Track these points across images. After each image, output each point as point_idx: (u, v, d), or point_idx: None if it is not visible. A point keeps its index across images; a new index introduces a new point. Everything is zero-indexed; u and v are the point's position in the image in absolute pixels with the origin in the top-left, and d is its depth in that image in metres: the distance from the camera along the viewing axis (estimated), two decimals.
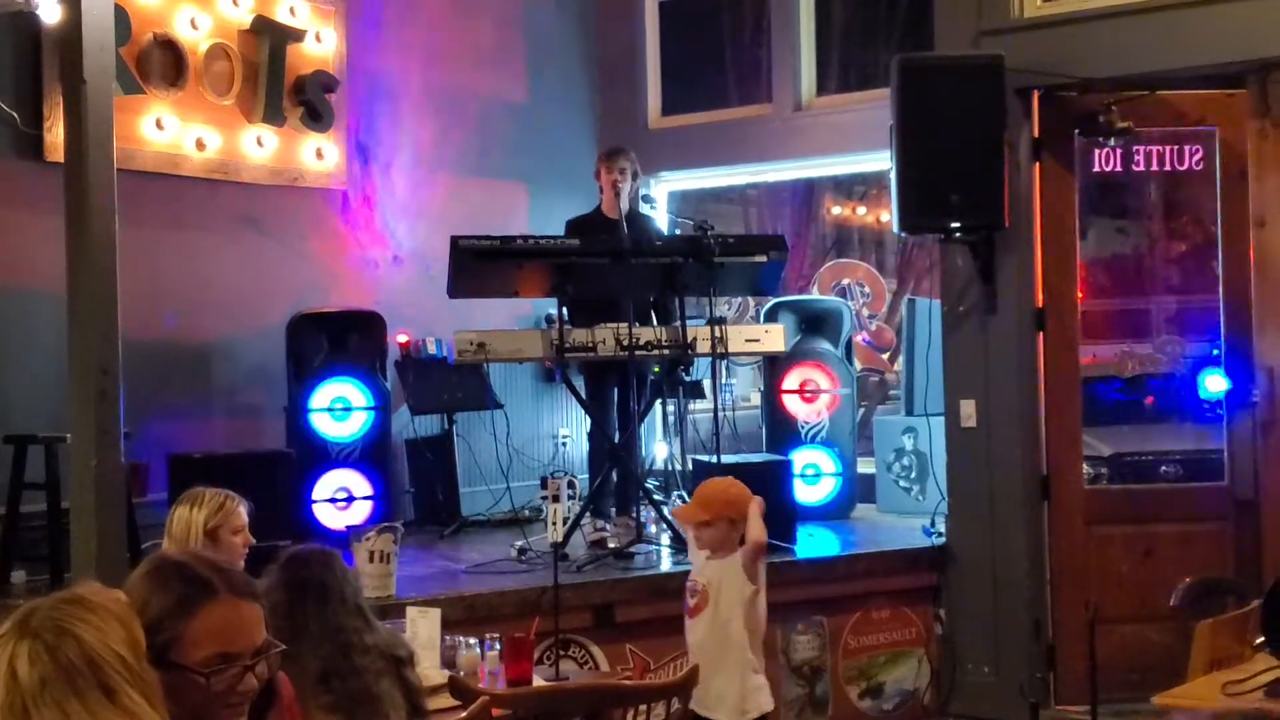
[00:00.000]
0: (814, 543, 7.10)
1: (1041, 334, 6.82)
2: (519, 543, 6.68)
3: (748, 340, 7.12)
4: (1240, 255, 6.73)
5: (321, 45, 8.01)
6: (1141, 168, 6.95)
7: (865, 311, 9.49)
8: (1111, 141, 6.72)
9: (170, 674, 2.10)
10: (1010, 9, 6.82)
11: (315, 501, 7.22)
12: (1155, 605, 6.35)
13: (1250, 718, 3.79)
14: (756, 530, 4.57)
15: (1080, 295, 6.90)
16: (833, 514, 8.00)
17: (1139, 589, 6.63)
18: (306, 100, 7.87)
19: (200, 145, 7.40)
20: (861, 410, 9.00)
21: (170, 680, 2.09)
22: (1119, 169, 6.95)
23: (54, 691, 1.79)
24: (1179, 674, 4.27)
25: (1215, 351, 6.89)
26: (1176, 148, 6.89)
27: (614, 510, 7.28)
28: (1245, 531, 6.68)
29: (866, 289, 9.56)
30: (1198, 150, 6.88)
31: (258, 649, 2.20)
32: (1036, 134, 6.78)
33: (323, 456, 7.25)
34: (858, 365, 8.79)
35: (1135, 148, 6.87)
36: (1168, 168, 6.95)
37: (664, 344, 6.74)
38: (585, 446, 7.87)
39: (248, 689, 2.19)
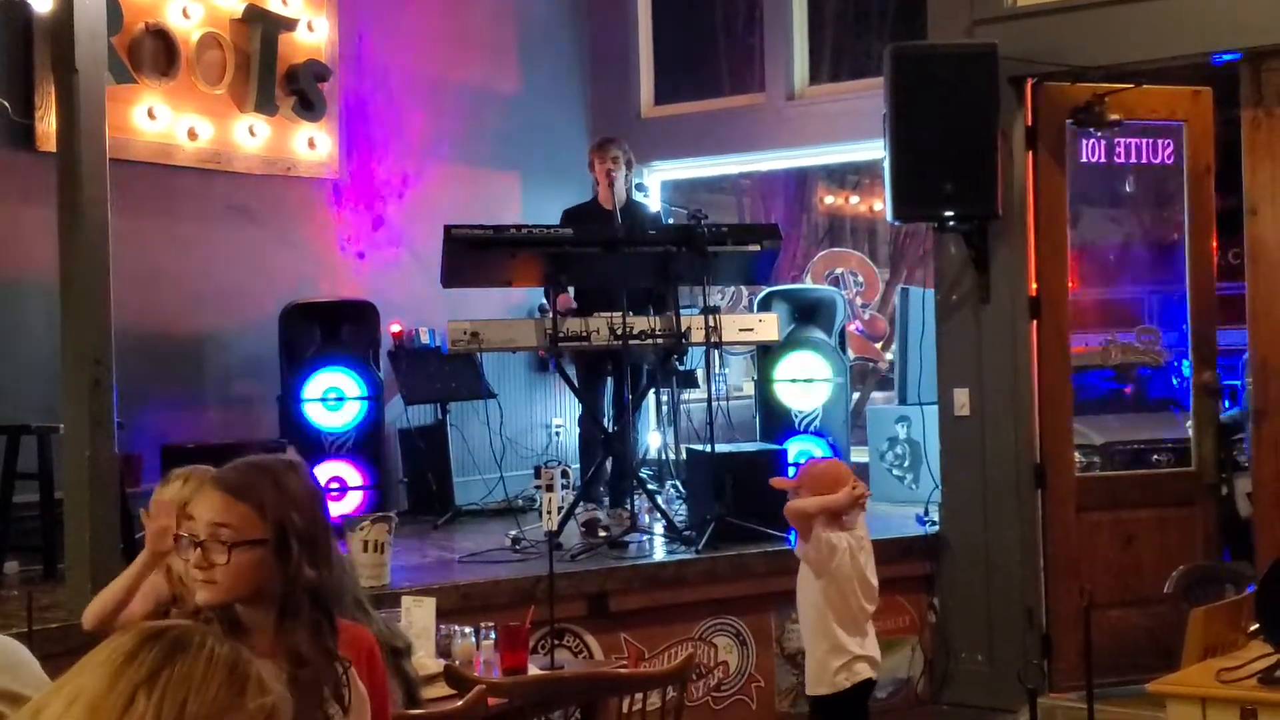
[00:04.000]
0: None
1: (1035, 323, 6.82)
2: (513, 532, 6.68)
3: (741, 329, 7.12)
4: (1205, 249, 6.91)
5: (314, 34, 7.99)
6: (1122, 160, 7.00)
7: (858, 301, 9.50)
8: (1103, 132, 6.74)
9: None
10: None
11: None
12: (1138, 590, 6.46)
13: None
14: (809, 502, 4.66)
15: (1072, 284, 6.93)
16: None
17: (1123, 574, 6.70)
18: (299, 90, 7.86)
19: (192, 135, 7.39)
20: (855, 397, 9.02)
21: None
22: (1103, 160, 6.98)
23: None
24: (1165, 657, 4.29)
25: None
26: (1152, 141, 6.96)
27: (607, 499, 7.29)
28: (1212, 516, 6.85)
29: (860, 278, 9.56)
30: (1168, 145, 6.96)
31: (212, 532, 2.50)
32: (1029, 123, 6.78)
33: (316, 447, 7.24)
34: (851, 354, 8.79)
35: (1116, 140, 6.91)
36: (1144, 160, 7.01)
37: (658, 333, 6.74)
38: (578, 435, 7.88)
39: (197, 564, 2.50)
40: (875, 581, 4.79)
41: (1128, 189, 7.20)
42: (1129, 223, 7.60)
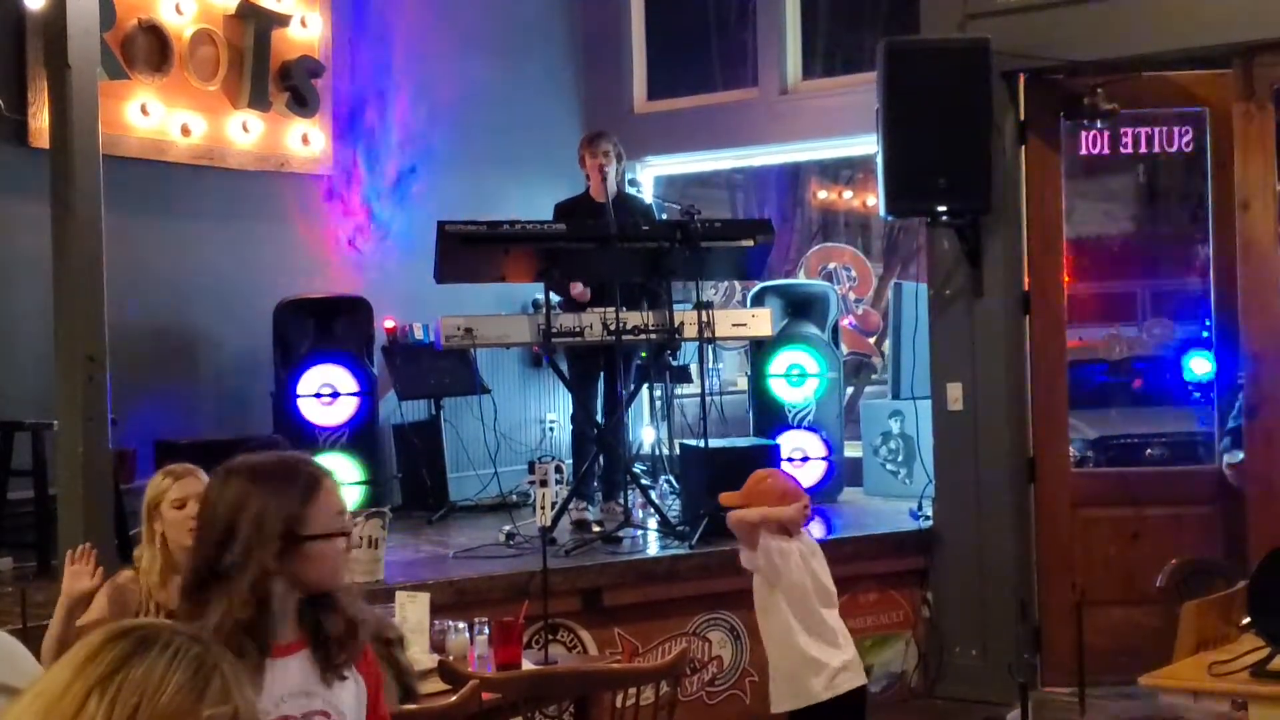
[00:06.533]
0: None
1: (1028, 317, 6.83)
2: (507, 527, 6.69)
3: (735, 324, 7.13)
4: (1230, 237, 6.73)
5: (307, 30, 7.98)
6: (1129, 150, 6.95)
7: (852, 295, 9.50)
8: (1098, 124, 6.73)
9: (304, 548, 2.55)
10: None
11: None
12: (1143, 588, 6.36)
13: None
14: (750, 511, 4.54)
15: (1067, 278, 6.92)
16: (820, 497, 7.97)
17: (1126, 572, 6.63)
18: (292, 86, 7.85)
19: (185, 131, 7.38)
20: (848, 392, 9.03)
21: (303, 553, 2.55)
22: (1106, 151, 6.94)
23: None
24: (1168, 657, 4.29)
25: (1205, 334, 6.91)
26: (1165, 129, 6.89)
27: (600, 495, 7.30)
28: (1235, 514, 6.66)
29: (853, 273, 9.57)
30: (1187, 132, 6.88)
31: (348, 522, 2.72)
32: (1023, 117, 6.79)
33: (310, 442, 7.22)
34: (844, 349, 8.79)
35: (1123, 130, 6.87)
36: (1156, 150, 6.95)
37: (651, 328, 6.74)
38: (570, 431, 7.88)
39: (353, 547, 2.83)
40: (832, 586, 4.65)
41: (1138, 179, 7.14)
42: (1136, 213, 7.57)
